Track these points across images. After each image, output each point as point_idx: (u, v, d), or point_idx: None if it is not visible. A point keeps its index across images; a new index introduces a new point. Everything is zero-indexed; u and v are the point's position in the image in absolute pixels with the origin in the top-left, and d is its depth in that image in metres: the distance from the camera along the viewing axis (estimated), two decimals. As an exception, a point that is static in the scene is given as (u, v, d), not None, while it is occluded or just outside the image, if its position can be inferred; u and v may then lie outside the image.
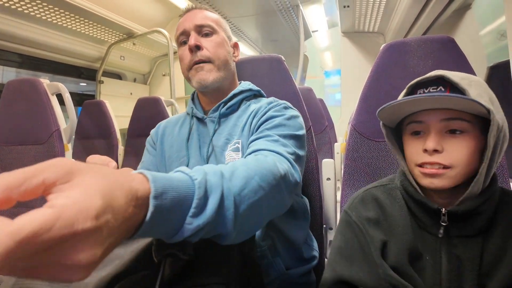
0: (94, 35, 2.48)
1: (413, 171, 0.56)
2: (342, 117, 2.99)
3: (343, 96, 2.95)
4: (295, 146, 0.68)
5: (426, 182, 0.53)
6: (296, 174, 0.61)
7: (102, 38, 2.58)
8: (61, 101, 1.40)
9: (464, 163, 0.50)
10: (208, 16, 0.82)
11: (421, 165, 0.53)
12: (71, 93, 1.44)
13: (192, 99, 0.89)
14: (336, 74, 6.49)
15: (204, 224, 0.37)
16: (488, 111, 0.47)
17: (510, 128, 0.82)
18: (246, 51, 4.17)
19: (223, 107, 0.81)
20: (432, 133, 0.52)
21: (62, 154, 1.27)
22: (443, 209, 0.52)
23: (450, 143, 0.51)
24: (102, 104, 2.30)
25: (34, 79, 1.32)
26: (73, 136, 2.35)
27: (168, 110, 2.17)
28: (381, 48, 0.91)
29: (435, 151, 0.51)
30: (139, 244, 0.39)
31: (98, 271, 0.34)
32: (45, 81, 1.33)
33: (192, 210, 0.36)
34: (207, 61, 0.78)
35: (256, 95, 0.88)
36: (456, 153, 0.51)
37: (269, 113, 0.74)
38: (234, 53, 0.88)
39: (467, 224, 0.52)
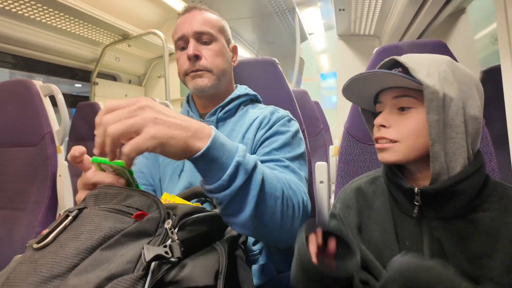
0: (89, 37, 2.47)
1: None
2: (338, 120, 3.00)
3: (339, 98, 2.96)
4: (301, 166, 0.74)
5: (379, 156, 0.57)
6: (309, 208, 0.66)
7: (97, 39, 2.56)
8: (55, 103, 1.39)
9: (409, 137, 0.53)
10: (208, 21, 0.81)
11: (376, 140, 0.58)
12: (65, 95, 1.43)
13: (187, 101, 0.89)
14: (333, 76, 6.52)
15: (244, 168, 0.48)
16: (423, 85, 0.49)
17: (501, 129, 0.83)
18: (242, 53, 4.17)
19: (220, 111, 0.81)
20: (384, 110, 0.57)
21: (54, 156, 1.26)
22: (416, 188, 0.53)
23: (398, 119, 0.55)
24: (96, 105, 2.28)
25: (27, 80, 1.31)
26: (67, 138, 2.33)
27: (163, 112, 2.16)
28: (374, 51, 0.91)
29: (383, 126, 0.56)
30: (128, 248, 0.39)
31: (86, 273, 0.34)
32: (38, 82, 1.32)
33: (238, 153, 0.48)
34: (205, 70, 0.78)
35: (253, 99, 0.88)
36: (401, 128, 0.54)
37: (275, 128, 0.76)
38: (232, 57, 0.88)
39: (443, 204, 0.52)
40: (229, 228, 0.58)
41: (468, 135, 0.51)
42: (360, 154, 0.91)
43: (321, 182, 1.01)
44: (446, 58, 0.56)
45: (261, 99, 0.90)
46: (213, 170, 0.47)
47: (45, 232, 0.38)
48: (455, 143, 0.50)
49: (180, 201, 0.62)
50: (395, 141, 0.54)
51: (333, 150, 2.14)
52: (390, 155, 0.55)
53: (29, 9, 1.89)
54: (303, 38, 3.81)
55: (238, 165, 0.48)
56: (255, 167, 0.51)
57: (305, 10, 3.15)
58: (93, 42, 2.57)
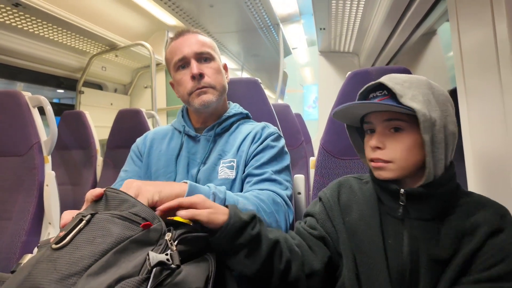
0: (76, 46, 2.48)
1: (369, 165, 0.64)
2: (319, 132, 3.11)
3: (320, 112, 3.08)
4: (287, 176, 0.84)
5: (376, 174, 0.62)
6: (290, 215, 0.80)
7: (84, 49, 2.58)
8: (42, 112, 1.41)
9: (402, 158, 0.58)
10: (205, 42, 0.88)
11: (372, 160, 0.62)
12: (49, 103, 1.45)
13: (182, 116, 0.94)
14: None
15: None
16: (414, 111, 0.54)
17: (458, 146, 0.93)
18: (228, 64, 4.21)
19: (217, 127, 0.88)
20: (376, 132, 0.61)
21: (41, 166, 1.28)
22: (402, 189, 0.59)
23: (391, 140, 0.59)
24: (81, 114, 2.29)
25: (16, 91, 1.33)
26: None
27: (149, 122, 2.20)
28: (346, 75, 1.01)
29: (378, 148, 0.60)
30: (135, 254, 0.45)
31: (99, 276, 0.39)
32: (26, 94, 1.34)
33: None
34: (209, 87, 0.85)
35: (244, 117, 0.96)
36: (394, 149, 0.59)
37: (266, 143, 0.85)
38: (225, 75, 0.95)
39: (424, 206, 0.58)
40: None
41: (447, 149, 0.58)
42: (335, 168, 0.99)
43: (299, 193, 1.08)
44: (423, 79, 0.61)
45: (251, 116, 0.98)
46: None
47: (62, 234, 0.43)
48: (436, 156, 0.56)
49: (178, 219, 0.69)
50: (389, 161, 0.59)
51: (311, 163, 2.24)
52: (387, 173, 0.60)
53: (17, 19, 1.90)
54: (287, 52, 3.94)
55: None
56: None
57: (288, 26, 3.27)
58: (80, 51, 2.59)
